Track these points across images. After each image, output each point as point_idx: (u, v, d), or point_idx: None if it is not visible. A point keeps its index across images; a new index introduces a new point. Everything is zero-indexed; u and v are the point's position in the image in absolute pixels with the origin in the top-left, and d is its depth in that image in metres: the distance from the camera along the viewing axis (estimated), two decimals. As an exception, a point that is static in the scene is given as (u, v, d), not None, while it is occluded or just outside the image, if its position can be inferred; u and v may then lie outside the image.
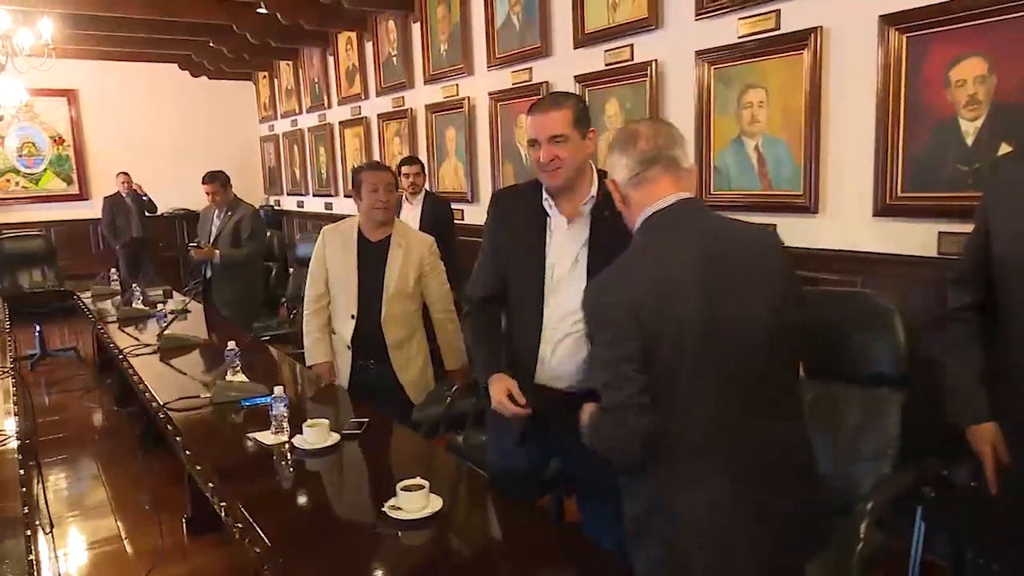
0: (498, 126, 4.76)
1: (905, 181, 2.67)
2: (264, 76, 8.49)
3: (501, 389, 1.87)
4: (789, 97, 2.99)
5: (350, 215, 4.60)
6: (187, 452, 2.21)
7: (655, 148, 1.49)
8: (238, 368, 2.81)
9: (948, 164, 2.54)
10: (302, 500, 1.96)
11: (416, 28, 5.46)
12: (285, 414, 2.21)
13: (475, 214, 5.10)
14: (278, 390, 2.23)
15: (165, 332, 3.52)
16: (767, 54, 3.05)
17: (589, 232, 1.87)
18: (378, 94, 6.11)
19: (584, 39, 3.97)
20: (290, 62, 7.68)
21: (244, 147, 8.80)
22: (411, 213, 4.72)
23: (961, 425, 1.72)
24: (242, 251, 4.54)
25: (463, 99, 5.04)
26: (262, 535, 1.66)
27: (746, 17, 3.13)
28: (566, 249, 1.88)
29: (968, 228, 2.42)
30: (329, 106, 7.02)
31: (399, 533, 1.68)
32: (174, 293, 4.96)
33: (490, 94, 4.75)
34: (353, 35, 6.34)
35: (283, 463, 2.09)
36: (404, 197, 4.71)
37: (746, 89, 3.17)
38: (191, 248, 4.54)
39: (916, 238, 2.65)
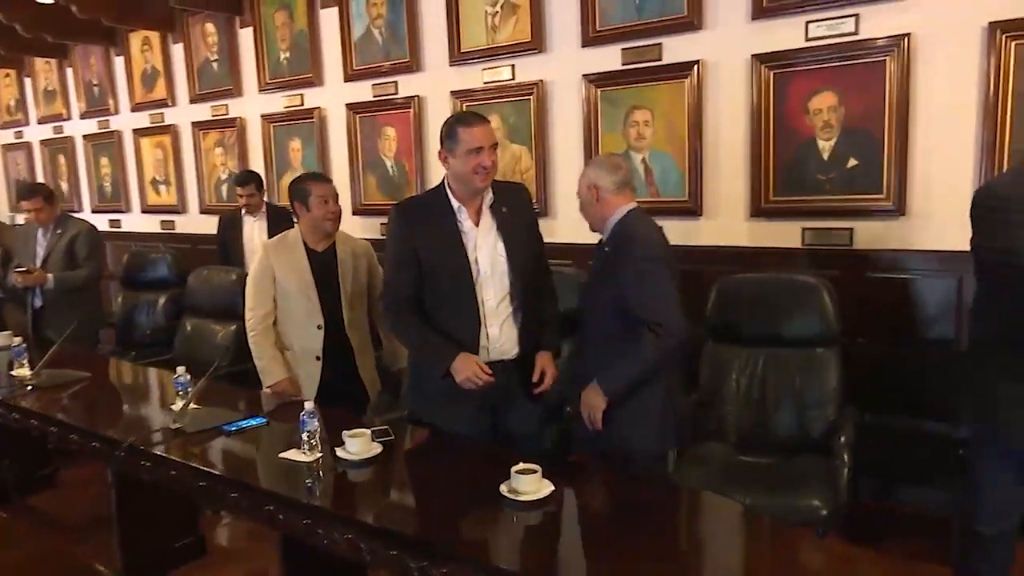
0: (357, 138, 4.75)
1: (776, 187, 3.33)
2: (7, 75, 7.28)
3: (471, 365, 2.19)
4: (673, 117, 3.53)
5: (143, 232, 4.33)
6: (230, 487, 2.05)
7: (627, 174, 2.44)
8: (188, 395, 2.60)
9: (810, 175, 3.24)
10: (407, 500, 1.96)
11: (246, 33, 5.20)
12: (317, 429, 2.16)
13: (328, 226, 5.01)
14: (309, 406, 2.16)
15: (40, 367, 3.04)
16: (652, 81, 3.57)
17: (497, 227, 2.28)
18: (192, 101, 5.67)
19: (460, 56, 4.18)
20: (51, 60, 6.72)
21: (-23, 156, 7.46)
22: (257, 226, 4.54)
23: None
24: (80, 273, 4.00)
25: (312, 109, 4.93)
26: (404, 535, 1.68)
27: (629, 48, 3.62)
28: (484, 244, 2.27)
29: (827, 225, 3.14)
30: (116, 112, 6.30)
31: (515, 515, 1.81)
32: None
33: (348, 105, 4.73)
34: (153, 35, 5.80)
35: (320, 477, 2.05)
36: (246, 212, 4.52)
37: (632, 110, 3.66)
38: (16, 272, 3.88)
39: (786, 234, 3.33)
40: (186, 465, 2.18)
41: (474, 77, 4.18)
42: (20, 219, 6.92)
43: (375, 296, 2.92)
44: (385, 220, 4.64)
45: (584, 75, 3.76)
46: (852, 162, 3.15)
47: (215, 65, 5.48)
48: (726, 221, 3.48)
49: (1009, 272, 1.76)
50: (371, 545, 1.74)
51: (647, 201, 3.62)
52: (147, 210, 6.26)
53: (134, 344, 4.39)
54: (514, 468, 1.86)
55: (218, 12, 5.25)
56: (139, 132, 6.14)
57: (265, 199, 4.67)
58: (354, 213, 4.85)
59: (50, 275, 3.91)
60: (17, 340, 3.56)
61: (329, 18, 4.75)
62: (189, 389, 2.60)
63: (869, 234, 3.16)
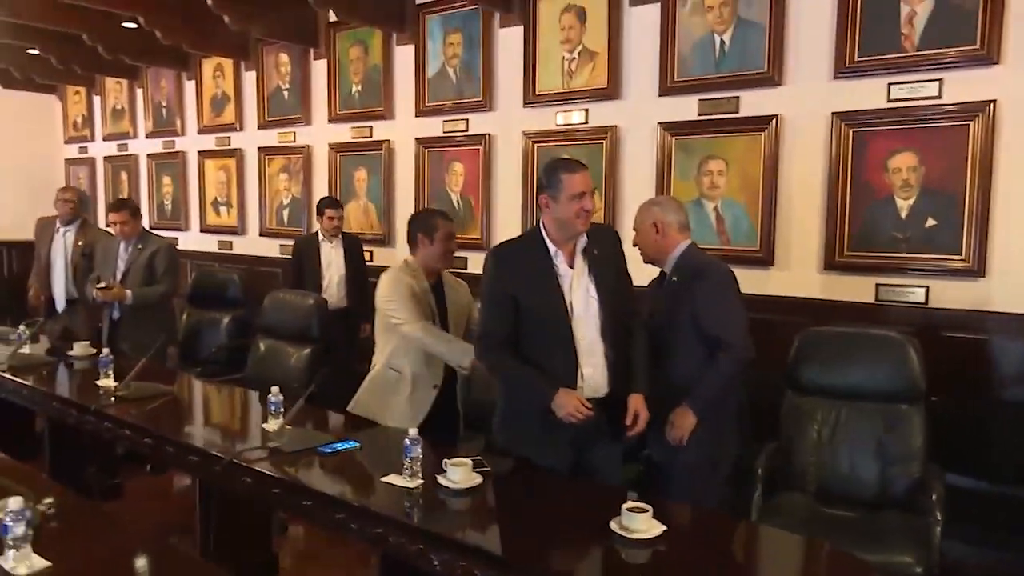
0: (425, 171, 4.88)
1: (850, 242, 3.38)
2: (77, 92, 7.55)
3: (572, 400, 2.25)
4: (748, 168, 3.61)
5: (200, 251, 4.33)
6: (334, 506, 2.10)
7: (686, 213, 2.76)
8: (281, 414, 2.67)
9: (886, 231, 3.29)
10: (514, 530, 2.00)
11: (320, 65, 5.38)
12: (420, 456, 2.21)
13: (388, 257, 5.11)
14: (412, 432, 2.22)
15: (129, 379, 3.12)
16: (728, 132, 3.66)
17: (589, 268, 2.36)
18: (260, 127, 5.85)
19: (535, 99, 4.31)
20: (122, 80, 6.97)
21: (43, 168, 7.68)
22: (334, 252, 4.66)
23: None
24: (158, 289, 4.12)
25: (381, 141, 5.07)
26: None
27: (706, 99, 3.72)
28: (578, 286, 2.35)
29: (900, 282, 3.17)
30: (183, 133, 6.50)
31: (625, 552, 1.84)
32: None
33: (418, 139, 4.87)
34: (226, 62, 6.01)
35: (423, 503, 2.10)
36: (324, 237, 4.64)
37: (706, 159, 3.74)
38: (97, 289, 4.00)
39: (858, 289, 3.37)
40: (291, 483, 2.24)
41: (547, 119, 4.30)
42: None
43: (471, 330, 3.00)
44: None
45: (660, 123, 3.85)
46: (931, 221, 3.20)
47: (286, 94, 5.66)
48: (798, 272, 3.53)
49: None
50: (485, 572, 1.78)
51: (718, 249, 3.68)
52: (206, 230, 6.41)
53: (198, 361, 4.48)
54: (625, 506, 1.90)
55: (294, 43, 5.44)
56: (204, 154, 6.32)
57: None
58: (416, 244, 4.95)
59: (129, 291, 4.02)
60: (100, 351, 3.68)
61: (404, 55, 4.91)
62: (282, 409, 2.67)
63: (945, 294, 3.20)
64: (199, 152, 6.37)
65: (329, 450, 2.46)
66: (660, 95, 3.85)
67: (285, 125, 5.69)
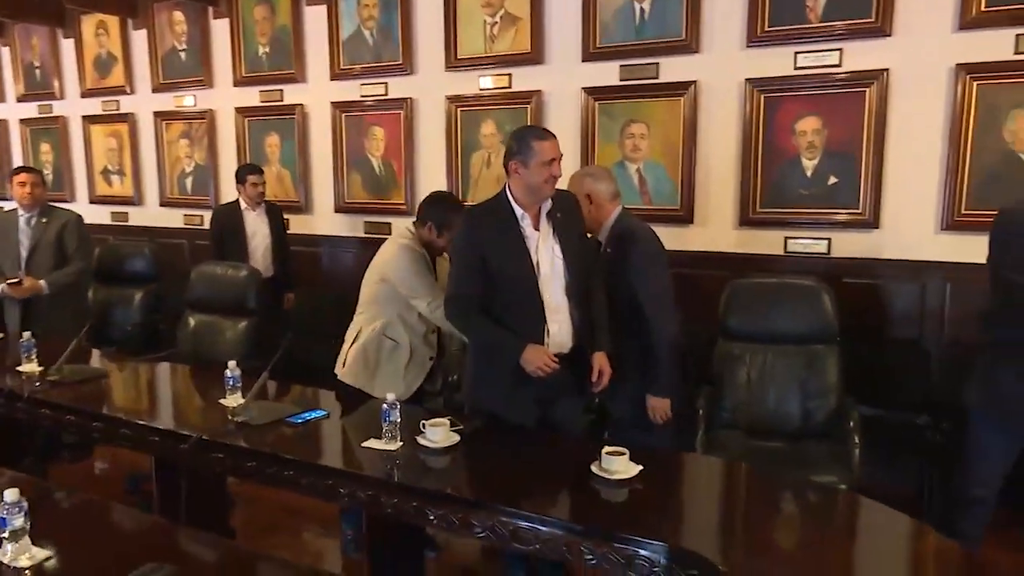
0: (342, 136, 4.80)
1: (762, 199, 3.67)
2: (-74, 49, 6.77)
3: (541, 354, 2.38)
4: (668, 132, 3.82)
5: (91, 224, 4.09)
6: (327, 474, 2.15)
7: (615, 181, 2.90)
8: (239, 389, 2.65)
9: (794, 189, 3.60)
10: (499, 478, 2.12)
11: (221, 24, 5.13)
12: (399, 420, 2.28)
13: (306, 224, 5.03)
14: (390, 397, 2.29)
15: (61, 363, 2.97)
16: (649, 97, 3.85)
17: (553, 231, 2.49)
18: (155, 90, 5.51)
19: (457, 63, 4.32)
20: (-15, 37, 6.33)
21: None
22: (259, 220, 4.54)
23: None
24: (71, 270, 3.87)
25: (294, 106, 4.93)
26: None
27: (627, 65, 3.88)
28: (544, 247, 2.47)
29: (806, 234, 3.50)
30: (62, 96, 6.01)
31: (604, 490, 2.01)
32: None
33: (335, 104, 4.77)
34: (110, 19, 5.59)
35: (409, 463, 2.19)
36: (247, 206, 4.51)
37: (629, 123, 3.93)
38: (8, 285, 3.70)
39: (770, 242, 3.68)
40: (270, 455, 2.25)
41: (470, 83, 4.33)
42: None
43: None
44: (369, 219, 4.75)
45: (583, 87, 3.99)
46: (832, 179, 3.53)
47: (183, 55, 5.36)
48: (716, 229, 3.80)
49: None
50: (483, 520, 1.90)
51: (641, 208, 3.89)
52: (96, 200, 6.01)
53: (111, 340, 4.27)
54: (604, 450, 2.07)
55: (189, 0, 5.14)
56: (90, 119, 5.89)
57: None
58: (337, 211, 4.90)
59: (43, 282, 3.76)
60: (6, 335, 3.47)
61: (315, 15, 4.77)
62: (240, 384, 2.65)
63: (844, 244, 3.56)
64: (83, 117, 5.92)
65: (299, 420, 2.48)
66: (583, 60, 3.98)
67: (183, 88, 5.39)
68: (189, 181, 5.52)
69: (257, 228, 4.48)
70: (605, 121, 3.98)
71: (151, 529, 1.91)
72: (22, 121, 6.30)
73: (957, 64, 3.22)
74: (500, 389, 2.48)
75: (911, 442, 3.26)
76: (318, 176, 4.97)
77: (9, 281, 3.70)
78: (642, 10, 3.81)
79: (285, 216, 4.94)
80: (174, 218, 5.62)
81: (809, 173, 3.57)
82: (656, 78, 3.83)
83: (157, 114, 5.55)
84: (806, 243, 3.62)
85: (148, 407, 2.85)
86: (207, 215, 5.07)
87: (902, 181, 3.42)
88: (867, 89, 3.39)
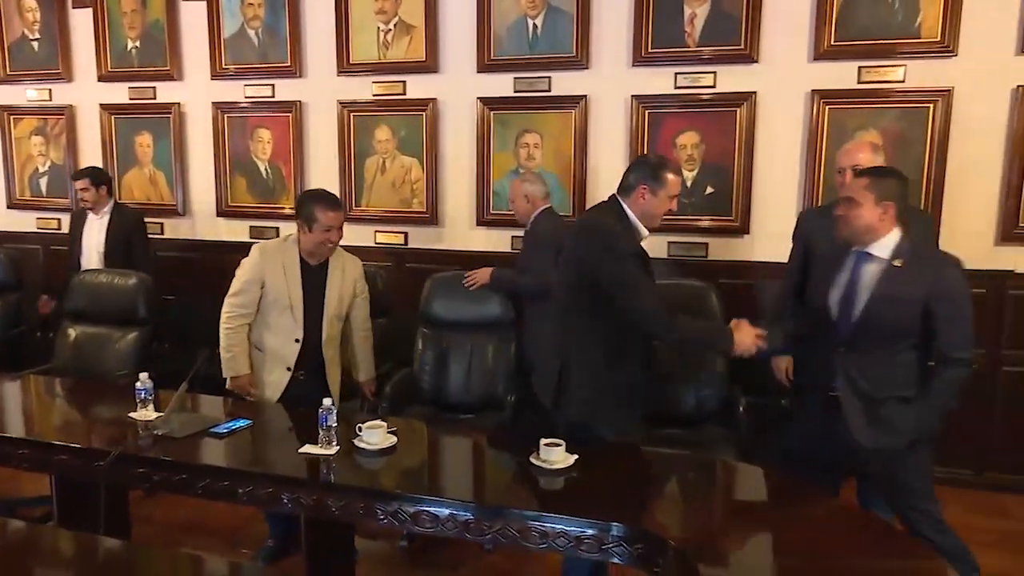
0: (225, 137, 4.63)
1: (648, 208, 3.97)
2: None
3: (751, 332, 2.41)
4: (561, 142, 4.04)
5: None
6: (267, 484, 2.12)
7: (546, 185, 3.56)
8: (151, 401, 2.54)
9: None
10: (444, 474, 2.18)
11: (82, 14, 4.77)
12: (335, 425, 2.30)
13: (180, 228, 4.80)
14: (327, 402, 2.30)
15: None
16: (542, 109, 4.05)
17: None
18: (1, 81, 5.02)
19: (349, 68, 4.32)
20: None
21: None
22: (96, 224, 4.28)
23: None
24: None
25: (169, 104, 4.69)
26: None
27: (521, 78, 4.06)
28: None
29: (686, 240, 3.82)
30: None
31: (541, 479, 2.16)
32: None
33: (216, 104, 4.59)
34: (-57, 1, 5.03)
35: (349, 467, 2.22)
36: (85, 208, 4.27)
37: (523, 132, 4.11)
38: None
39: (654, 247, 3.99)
40: (201, 467, 2.20)
41: (363, 89, 4.33)
42: None
43: (359, 316, 3.07)
44: (255, 224, 4.62)
45: (479, 97, 4.12)
46: (709, 189, 3.89)
47: (35, 44, 4.93)
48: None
49: None
50: (433, 513, 1.98)
51: (535, 214, 4.08)
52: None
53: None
54: (543, 441, 2.21)
55: (44, -14, 4.75)
56: (-84, 111, 5.26)
57: (112, 196, 4.37)
58: (219, 215, 4.71)
59: None
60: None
61: (192, 12, 4.57)
62: (152, 396, 2.54)
63: (719, 248, 3.94)
64: (-93, 108, 5.28)
65: (224, 430, 2.42)
66: (478, 71, 4.11)
67: (36, 81, 4.96)
68: (44, 182, 5.08)
69: (95, 232, 4.26)
70: (500, 130, 4.14)
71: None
72: None
73: (812, 89, 3.67)
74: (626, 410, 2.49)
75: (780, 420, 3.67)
76: (197, 179, 4.75)
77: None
78: (535, 26, 4.01)
79: (158, 220, 4.72)
80: (26, 222, 5.14)
81: (689, 183, 3.91)
82: (549, 91, 4.04)
83: (5, 108, 5.06)
84: (687, 247, 3.96)
85: (48, 425, 2.64)
86: (65, 218, 4.72)
87: (768, 192, 3.83)
88: (738, 109, 3.78)
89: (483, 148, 4.16)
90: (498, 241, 4.21)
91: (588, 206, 4.03)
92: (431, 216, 4.28)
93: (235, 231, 4.71)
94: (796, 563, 1.75)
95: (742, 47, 3.73)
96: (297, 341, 2.85)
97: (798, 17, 3.65)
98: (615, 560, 1.84)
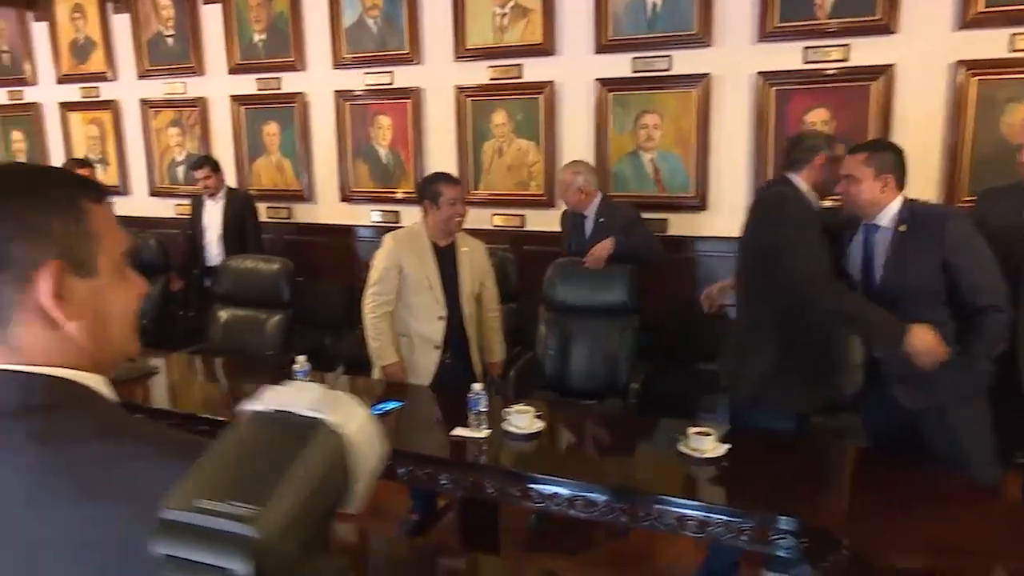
0: (347, 125, 4.79)
1: (773, 188, 3.88)
2: None
3: (932, 338, 2.22)
4: (681, 123, 3.99)
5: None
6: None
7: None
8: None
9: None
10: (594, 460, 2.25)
11: (212, 10, 5.02)
12: (485, 409, 2.39)
13: (308, 213, 5.02)
14: (477, 387, 2.39)
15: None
16: (662, 88, 4.00)
17: None
18: (140, 76, 5.36)
19: (466, 53, 4.38)
20: (-61, 19, 6.00)
21: None
22: (213, 208, 4.57)
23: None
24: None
25: (294, 94, 4.89)
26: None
27: (640, 58, 4.02)
28: None
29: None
30: (35, 82, 5.78)
31: (692, 467, 2.18)
32: None
33: (338, 92, 4.76)
34: (87, 2, 5.39)
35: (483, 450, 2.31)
36: (204, 195, 4.59)
37: (642, 113, 4.07)
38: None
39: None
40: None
41: (479, 74, 4.39)
42: None
43: (488, 295, 3.17)
44: (376, 208, 4.78)
45: (596, 79, 4.11)
46: (839, 168, 3.75)
47: (170, 40, 5.23)
48: (729, 215, 3.99)
49: None
50: (585, 496, 2.04)
51: (654, 196, 4.08)
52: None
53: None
54: (692, 429, 2.23)
55: (176, -15, 5.02)
56: (68, 106, 5.69)
57: (225, 182, 4.71)
58: (342, 200, 4.90)
59: None
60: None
61: (313, 3, 4.73)
62: (307, 378, 2.71)
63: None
64: (60, 104, 5.71)
65: (378, 411, 2.56)
66: (596, 52, 4.09)
67: (172, 75, 5.26)
68: (180, 170, 5.41)
69: (212, 217, 4.60)
70: (618, 111, 4.11)
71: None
72: (-11, 108, 6.03)
73: (957, 60, 3.47)
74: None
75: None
76: (321, 165, 4.95)
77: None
78: (654, 4, 3.94)
79: (285, 206, 4.98)
80: (165, 208, 5.51)
81: (817, 162, 3.78)
82: (668, 70, 3.98)
83: (144, 101, 5.40)
84: (814, 228, 3.84)
85: (214, 403, 2.86)
86: (202, 205, 5.03)
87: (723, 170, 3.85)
88: (872, 83, 3.62)
89: (601, 130, 4.16)
90: (616, 223, 4.20)
91: (710, 187, 3.99)
92: (548, 198, 4.32)
93: (357, 215, 4.89)
94: (974, 562, 1.72)
95: (878, 17, 3.55)
96: (441, 319, 2.96)
97: (943, -21, 3.45)
98: (779, 553, 1.85)
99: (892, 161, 2.35)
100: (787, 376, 2.44)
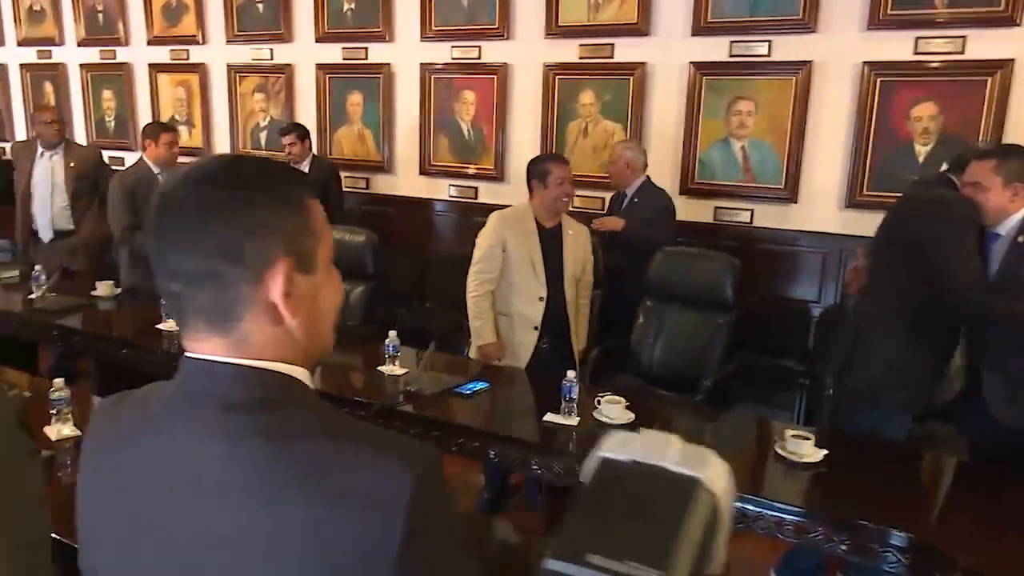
0: (430, 98, 4.79)
1: (870, 183, 3.74)
2: (-24, -14, 6.61)
3: None
4: (777, 111, 3.86)
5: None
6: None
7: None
8: (397, 358, 2.74)
9: (904, 174, 3.66)
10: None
11: (304, -22, 5.05)
12: (578, 397, 2.38)
13: (389, 184, 5.05)
14: (571, 374, 2.38)
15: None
16: (759, 74, 3.87)
17: None
18: (229, 41, 5.45)
19: (557, 30, 4.31)
20: (39, -23, 6.19)
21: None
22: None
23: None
24: None
25: (380, 65, 4.90)
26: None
27: (738, 41, 3.89)
28: None
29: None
30: (127, 43, 5.93)
31: (791, 471, 2.13)
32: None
33: (423, 65, 4.75)
34: (183, -34, 5.49)
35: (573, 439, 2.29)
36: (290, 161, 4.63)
37: (736, 100, 3.95)
38: None
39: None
40: (457, 425, 2.35)
41: (570, 52, 4.32)
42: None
43: (586, 281, 3.16)
44: (454, 183, 4.77)
45: (691, 62, 4.00)
46: (944, 167, 3.58)
47: (260, 7, 5.28)
48: (820, 209, 3.87)
49: None
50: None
51: (743, 185, 3.98)
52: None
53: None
54: (790, 433, 2.18)
55: (270, -48, 5.06)
56: (157, 68, 5.82)
57: (312, 150, 4.77)
58: (421, 173, 4.92)
59: None
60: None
61: (416, -24, 4.71)
62: (398, 352, 2.73)
63: None
64: (150, 65, 5.85)
65: (467, 391, 2.57)
66: (693, 35, 3.98)
67: (260, 41, 5.33)
68: (263, 135, 5.50)
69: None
70: (711, 96, 4.00)
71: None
72: (82, 66, 6.21)
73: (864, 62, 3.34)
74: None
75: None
76: (402, 137, 4.97)
77: None
78: (758, -14, 3.81)
79: (364, 176, 5.02)
80: (246, 173, 5.60)
81: (921, 159, 3.63)
82: (768, 56, 3.85)
83: (231, 66, 5.49)
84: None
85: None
86: (284, 171, 5.10)
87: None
88: (989, 78, 3.43)
89: (692, 115, 4.05)
90: (700, 211, 4.12)
91: (802, 179, 3.87)
92: (631, 181, 4.25)
93: (435, 189, 4.90)
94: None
95: (1001, 7, 3.36)
96: (541, 299, 2.95)
97: (1076, -27, 3.24)
98: (885, 567, 1.80)
99: (1022, 169, 2.23)
100: (911, 372, 2.40)
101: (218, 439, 0.71)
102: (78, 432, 2.19)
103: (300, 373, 0.78)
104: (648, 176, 3.82)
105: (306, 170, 4.63)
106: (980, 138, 3.48)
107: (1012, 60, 3.38)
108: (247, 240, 0.72)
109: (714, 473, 0.62)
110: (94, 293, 3.65)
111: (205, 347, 0.75)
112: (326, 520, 0.67)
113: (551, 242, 2.98)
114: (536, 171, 2.94)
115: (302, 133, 4.67)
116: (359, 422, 0.77)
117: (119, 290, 3.73)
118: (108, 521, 0.78)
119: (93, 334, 3.34)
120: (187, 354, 0.77)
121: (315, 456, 0.70)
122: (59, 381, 2.22)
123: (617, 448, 0.63)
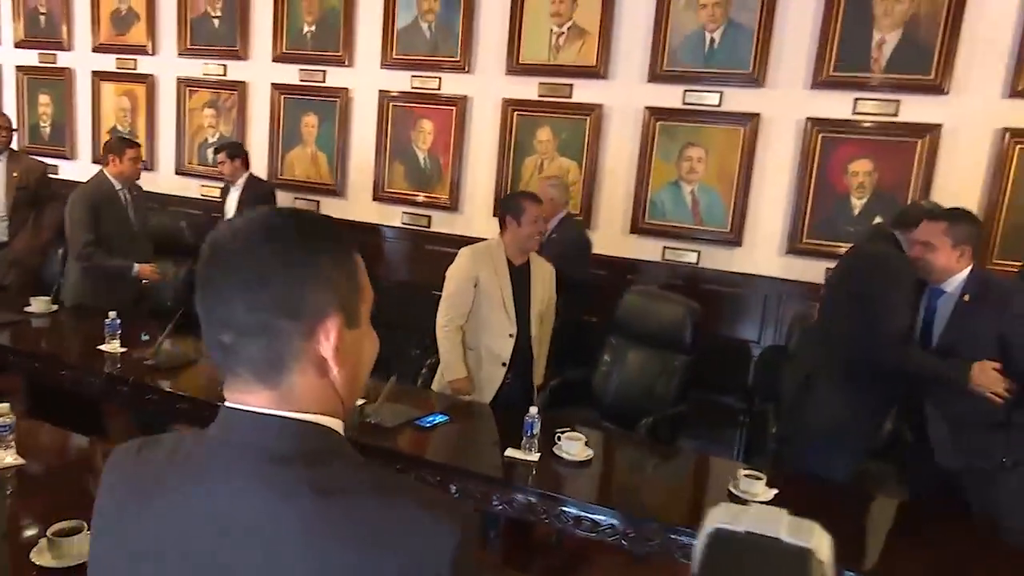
0: (388, 125, 4.81)
1: (809, 230, 3.95)
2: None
3: (992, 373, 2.31)
4: (726, 158, 4.04)
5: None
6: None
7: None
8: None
9: (840, 225, 3.88)
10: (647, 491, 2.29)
11: (264, -2, 5.02)
12: (539, 433, 2.42)
13: (337, 208, 5.02)
14: (533, 411, 2.42)
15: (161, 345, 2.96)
16: (710, 123, 4.06)
17: None
18: (180, 54, 5.34)
19: (518, 68, 4.41)
20: (-23, -26, 5.95)
21: None
22: (233, 195, 4.71)
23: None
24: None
25: (338, 89, 4.89)
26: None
27: (691, 91, 4.07)
28: None
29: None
30: (69, 48, 5.74)
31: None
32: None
33: (383, 92, 4.77)
34: (136, -25, 5.37)
35: (550, 475, 2.34)
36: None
37: (688, 145, 4.12)
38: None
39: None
40: (415, 458, 2.35)
41: (529, 89, 4.42)
42: None
43: (547, 317, 3.19)
44: (407, 210, 4.79)
45: (647, 107, 4.15)
46: (878, 219, 3.82)
47: (216, 22, 5.21)
48: (762, 253, 4.06)
49: None
50: (633, 528, 2.08)
51: (691, 227, 4.14)
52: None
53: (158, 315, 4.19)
54: (743, 472, 2.28)
55: (229, -34, 5.01)
56: (101, 76, 5.65)
57: (247, 169, 4.71)
58: (374, 199, 4.91)
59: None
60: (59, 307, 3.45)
61: (369, 1, 4.74)
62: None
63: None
64: (93, 72, 5.68)
65: (427, 424, 2.58)
66: (648, 81, 4.14)
67: (214, 56, 5.25)
68: (211, 152, 5.38)
69: (231, 203, 4.66)
70: (664, 140, 4.16)
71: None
72: (19, 68, 5.97)
73: (1004, 127, 3.55)
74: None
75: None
76: (357, 162, 4.96)
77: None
78: (712, 39, 4.00)
79: (315, 199, 4.99)
80: (188, 187, 5.48)
81: (856, 211, 3.86)
82: (719, 106, 4.04)
83: (181, 79, 5.38)
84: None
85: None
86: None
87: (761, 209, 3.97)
88: (919, 141, 3.69)
89: (645, 157, 4.20)
90: (649, 249, 4.25)
91: (746, 222, 4.05)
92: (586, 220, 4.35)
93: (388, 215, 4.90)
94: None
95: (932, 76, 3.63)
96: (511, 336, 2.98)
97: (999, 47, 3.52)
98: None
99: (969, 232, 2.42)
100: (858, 418, 2.57)
101: (265, 491, 0.72)
102: (21, 460, 2.10)
103: (337, 425, 0.80)
104: (568, 212, 4.00)
105: (240, 190, 4.57)
106: (909, 196, 3.73)
107: (940, 125, 3.65)
108: (307, 296, 0.74)
109: (819, 542, 0.66)
110: (27, 309, 3.49)
111: (249, 398, 0.76)
112: (372, 573, 0.69)
113: (521, 279, 3.02)
114: (511, 208, 2.98)
115: (233, 152, 4.62)
116: (400, 476, 0.79)
117: (55, 307, 3.58)
118: (137, 572, 0.77)
119: (26, 352, 3.20)
120: (228, 404, 0.78)
121: (363, 511, 0.72)
122: (4, 406, 2.13)
123: (730, 520, 0.66)
